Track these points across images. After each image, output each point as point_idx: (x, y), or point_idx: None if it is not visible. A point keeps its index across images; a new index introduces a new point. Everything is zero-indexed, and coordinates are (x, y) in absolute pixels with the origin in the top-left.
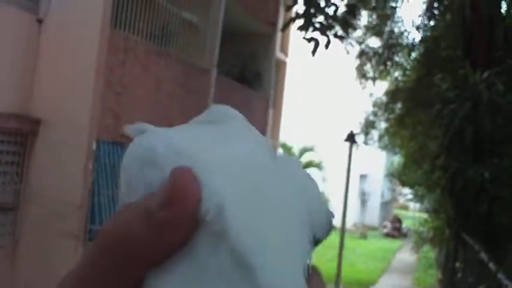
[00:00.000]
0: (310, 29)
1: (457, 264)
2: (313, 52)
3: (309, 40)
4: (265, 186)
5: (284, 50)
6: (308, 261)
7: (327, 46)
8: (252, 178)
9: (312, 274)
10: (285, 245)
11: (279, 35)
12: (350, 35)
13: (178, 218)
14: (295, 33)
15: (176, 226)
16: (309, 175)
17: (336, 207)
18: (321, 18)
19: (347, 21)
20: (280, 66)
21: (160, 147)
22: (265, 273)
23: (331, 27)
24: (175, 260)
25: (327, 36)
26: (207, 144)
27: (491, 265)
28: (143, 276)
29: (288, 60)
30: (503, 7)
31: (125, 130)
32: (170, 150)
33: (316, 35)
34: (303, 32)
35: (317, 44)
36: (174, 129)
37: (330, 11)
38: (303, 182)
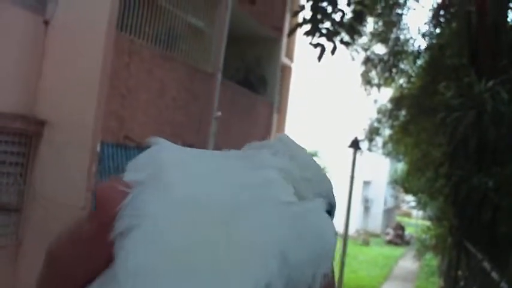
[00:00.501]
0: (317, 34)
1: (460, 273)
2: (319, 58)
3: (315, 46)
4: (210, 240)
5: (289, 55)
6: None
7: (333, 52)
8: (199, 226)
9: None
10: None
11: (284, 40)
12: (356, 42)
13: (96, 231)
14: (300, 39)
15: (96, 239)
16: (324, 242)
17: (339, 214)
18: (327, 24)
19: (353, 28)
20: (286, 71)
21: (144, 157)
22: None
23: (337, 33)
24: (103, 278)
25: (333, 42)
26: (191, 174)
27: (493, 274)
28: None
29: (293, 65)
30: (510, 16)
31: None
32: (152, 161)
33: (323, 40)
34: (309, 38)
35: (323, 49)
36: (182, 150)
37: (337, 17)
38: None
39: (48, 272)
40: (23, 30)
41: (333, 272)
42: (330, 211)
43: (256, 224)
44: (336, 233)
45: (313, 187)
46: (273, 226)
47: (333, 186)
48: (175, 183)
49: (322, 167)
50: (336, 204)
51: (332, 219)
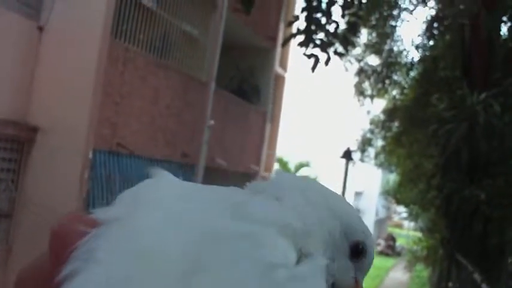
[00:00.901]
0: (311, 45)
1: (450, 284)
2: (313, 68)
3: (309, 56)
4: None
5: (283, 65)
6: None
7: (326, 63)
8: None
9: None
10: None
11: (278, 50)
12: (349, 53)
13: (51, 268)
14: (294, 49)
15: (51, 275)
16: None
17: None
18: (321, 35)
19: (347, 39)
20: (279, 81)
21: (130, 192)
22: None
23: (331, 44)
24: None
25: (327, 53)
26: (165, 220)
27: (484, 286)
28: None
29: (286, 75)
30: (503, 29)
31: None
32: (131, 199)
33: (316, 51)
34: (303, 48)
35: (317, 60)
36: (174, 187)
37: (331, 28)
38: None
39: None
40: (17, 36)
41: None
42: (356, 251)
43: (223, 286)
44: None
45: (326, 225)
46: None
47: (365, 227)
48: (140, 230)
49: (353, 210)
50: (370, 243)
51: (366, 262)
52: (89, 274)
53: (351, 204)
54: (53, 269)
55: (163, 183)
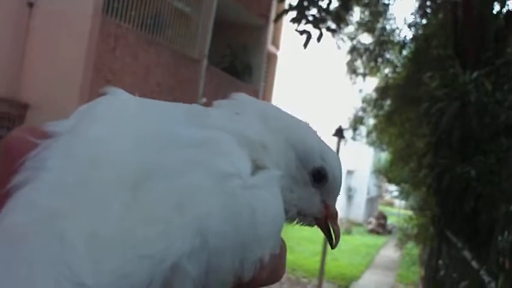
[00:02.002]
0: (303, 21)
1: (440, 262)
2: (305, 45)
3: (301, 32)
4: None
5: (275, 43)
6: None
7: (319, 39)
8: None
9: None
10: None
11: (271, 27)
12: (342, 30)
13: (6, 168)
14: (287, 27)
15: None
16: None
17: None
18: (314, 11)
19: (340, 15)
20: (271, 59)
21: (85, 107)
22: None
23: (323, 20)
24: None
25: (320, 29)
26: (117, 130)
27: (474, 263)
28: None
29: (279, 53)
30: (496, 8)
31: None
32: (86, 112)
33: (309, 27)
34: (295, 25)
35: (309, 36)
36: (130, 102)
37: (323, 4)
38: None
39: None
40: (7, 13)
41: (280, 253)
42: (317, 177)
43: (175, 193)
44: (280, 216)
45: (282, 155)
46: (196, 199)
47: (324, 150)
48: (92, 139)
49: (308, 129)
50: (331, 166)
51: (332, 185)
52: (39, 182)
53: (312, 129)
54: (4, 179)
55: (117, 99)
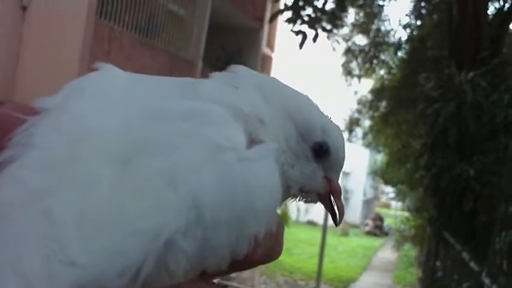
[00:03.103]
0: (298, 21)
1: (438, 263)
2: (301, 45)
3: (297, 33)
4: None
5: (270, 45)
6: None
7: (314, 39)
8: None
9: None
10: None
11: (265, 30)
12: (337, 31)
13: None
14: (281, 29)
15: None
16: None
17: (318, 204)
18: (309, 11)
19: (335, 15)
20: (266, 61)
21: (74, 82)
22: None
23: (319, 20)
24: None
25: (315, 29)
26: (106, 105)
27: (472, 264)
28: None
29: (274, 55)
30: (491, 8)
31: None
32: (74, 87)
33: (304, 28)
34: (291, 26)
35: (305, 37)
36: (119, 77)
37: (319, 3)
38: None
39: None
40: (0, 16)
41: (277, 231)
42: (319, 151)
43: (167, 168)
44: (277, 190)
45: (282, 129)
46: (189, 172)
47: (326, 124)
48: (81, 114)
49: (312, 105)
50: (333, 140)
51: (334, 160)
52: (27, 158)
53: (313, 102)
54: None
55: (108, 73)
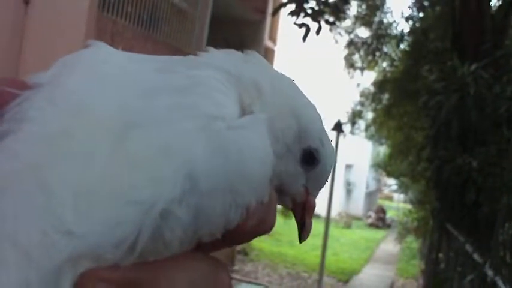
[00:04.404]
0: (301, 14)
1: (440, 255)
2: (304, 38)
3: (300, 26)
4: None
5: (273, 38)
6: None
7: (317, 32)
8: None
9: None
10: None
11: (268, 22)
12: (340, 23)
13: None
14: (284, 22)
15: None
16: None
17: (321, 197)
18: (312, 4)
19: (338, 8)
20: (269, 54)
21: (65, 58)
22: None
23: (322, 13)
24: None
25: (318, 22)
26: (97, 80)
27: (475, 256)
28: None
29: (276, 48)
30: (493, 0)
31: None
32: (66, 63)
33: (307, 20)
34: (293, 19)
35: (308, 29)
36: (111, 54)
37: None
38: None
39: None
40: (2, 10)
41: (268, 202)
42: (309, 157)
43: (161, 139)
44: (269, 157)
45: (282, 117)
46: (183, 143)
47: (325, 137)
48: (74, 89)
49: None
50: (325, 154)
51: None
52: (21, 133)
53: (320, 114)
54: None
55: (101, 50)
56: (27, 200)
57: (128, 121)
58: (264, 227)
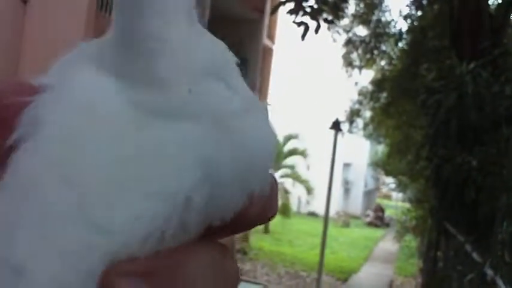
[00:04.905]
0: (300, 13)
1: (439, 254)
2: (303, 36)
3: (299, 24)
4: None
5: (271, 36)
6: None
7: (316, 31)
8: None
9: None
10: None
11: (266, 21)
12: (339, 22)
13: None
14: (282, 20)
15: None
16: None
17: (319, 196)
18: (311, 2)
19: (337, 6)
20: (267, 52)
21: (64, 58)
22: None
23: (321, 11)
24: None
25: (317, 20)
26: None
27: (474, 255)
28: None
29: (274, 47)
30: None
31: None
32: (65, 62)
33: (306, 19)
34: (292, 18)
35: (307, 28)
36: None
37: None
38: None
39: None
40: (1, 10)
41: (271, 186)
42: None
43: (178, 133)
44: (275, 141)
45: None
46: (198, 136)
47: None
48: (82, 87)
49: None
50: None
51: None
52: (41, 134)
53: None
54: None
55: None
56: (55, 198)
57: (141, 117)
58: (268, 213)
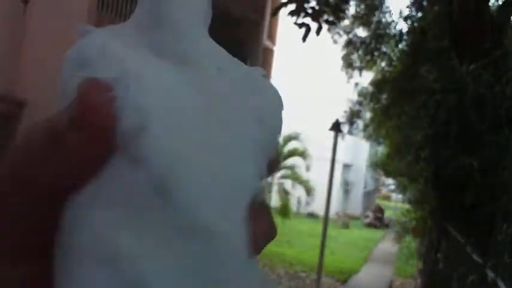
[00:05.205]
0: (302, 14)
1: (439, 255)
2: (304, 38)
3: (300, 25)
4: (209, 107)
5: (272, 37)
6: (256, 195)
7: (318, 32)
8: (192, 99)
9: (260, 210)
10: (223, 175)
11: (267, 22)
12: (340, 23)
13: (88, 139)
14: (283, 21)
15: (86, 149)
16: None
17: (319, 196)
18: (312, 3)
19: (339, 7)
20: (268, 53)
21: (92, 49)
22: (187, 202)
23: (322, 13)
24: (93, 188)
25: (318, 22)
26: (146, 53)
27: (475, 256)
28: (58, 209)
29: (275, 48)
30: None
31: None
32: (102, 54)
33: (307, 20)
34: (293, 19)
35: (308, 29)
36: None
37: None
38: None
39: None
40: (1, 10)
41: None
42: None
43: (238, 134)
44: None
45: None
46: (246, 128)
47: None
48: (152, 80)
49: None
50: None
51: None
52: (157, 124)
53: None
54: (90, 141)
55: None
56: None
57: (214, 102)
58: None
